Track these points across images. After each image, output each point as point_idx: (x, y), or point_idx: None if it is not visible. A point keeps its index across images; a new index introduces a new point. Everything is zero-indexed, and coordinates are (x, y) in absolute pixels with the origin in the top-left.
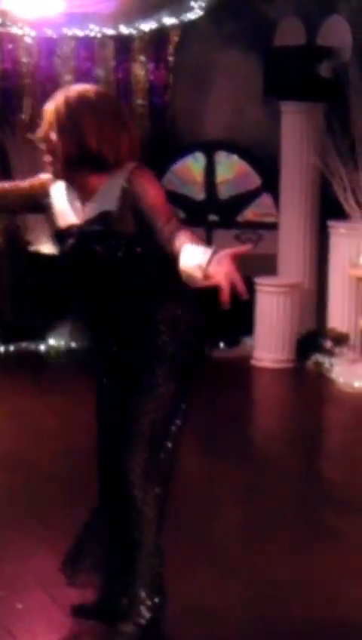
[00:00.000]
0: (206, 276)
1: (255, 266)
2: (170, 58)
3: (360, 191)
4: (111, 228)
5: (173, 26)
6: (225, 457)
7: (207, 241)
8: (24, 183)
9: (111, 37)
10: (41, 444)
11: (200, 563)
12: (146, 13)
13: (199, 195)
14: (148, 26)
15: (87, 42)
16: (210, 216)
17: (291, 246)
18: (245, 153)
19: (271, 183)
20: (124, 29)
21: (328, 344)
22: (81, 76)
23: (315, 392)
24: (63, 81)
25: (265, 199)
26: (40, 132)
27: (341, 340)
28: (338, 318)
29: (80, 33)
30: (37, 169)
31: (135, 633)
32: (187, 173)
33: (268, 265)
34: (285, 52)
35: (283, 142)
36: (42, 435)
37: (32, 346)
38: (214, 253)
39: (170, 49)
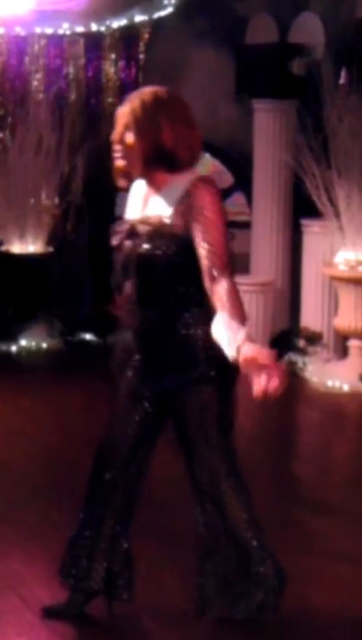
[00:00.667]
0: (237, 361)
1: None
2: (141, 56)
3: (333, 189)
4: (161, 230)
5: (143, 24)
6: None
7: None
8: None
9: (82, 34)
10: (11, 444)
11: (170, 565)
12: (117, 10)
13: None
14: (118, 23)
15: (57, 40)
16: None
17: (264, 245)
18: (217, 151)
19: (243, 182)
20: (94, 27)
21: (301, 343)
22: (51, 74)
23: (288, 391)
24: (33, 79)
25: (238, 198)
26: (114, 134)
27: (314, 339)
28: (311, 316)
29: (50, 31)
30: (6, 169)
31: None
32: None
33: (240, 264)
34: (257, 49)
35: (255, 140)
36: (13, 435)
37: (3, 347)
38: (247, 337)
39: (141, 46)
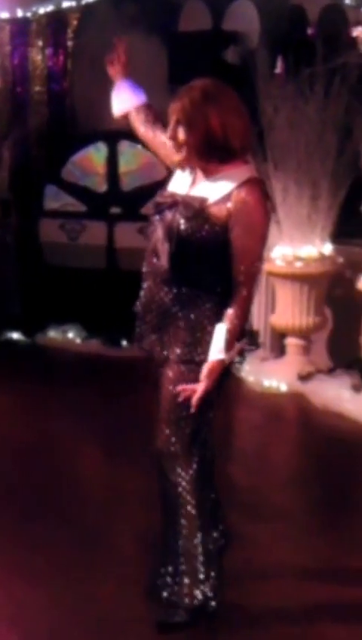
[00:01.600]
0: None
1: None
2: (69, 43)
3: (269, 182)
4: (204, 215)
5: (71, 10)
6: (130, 459)
7: (110, 235)
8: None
9: (7, 21)
10: None
11: (103, 570)
12: None
13: (101, 186)
14: (45, 9)
15: None
16: (113, 208)
17: None
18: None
19: None
20: (20, 13)
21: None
22: None
23: (224, 390)
24: None
25: None
26: (168, 131)
27: (250, 337)
28: None
29: None
30: None
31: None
32: (88, 163)
33: None
34: (190, 37)
35: None
36: None
37: None
38: (216, 358)
39: (69, 33)
